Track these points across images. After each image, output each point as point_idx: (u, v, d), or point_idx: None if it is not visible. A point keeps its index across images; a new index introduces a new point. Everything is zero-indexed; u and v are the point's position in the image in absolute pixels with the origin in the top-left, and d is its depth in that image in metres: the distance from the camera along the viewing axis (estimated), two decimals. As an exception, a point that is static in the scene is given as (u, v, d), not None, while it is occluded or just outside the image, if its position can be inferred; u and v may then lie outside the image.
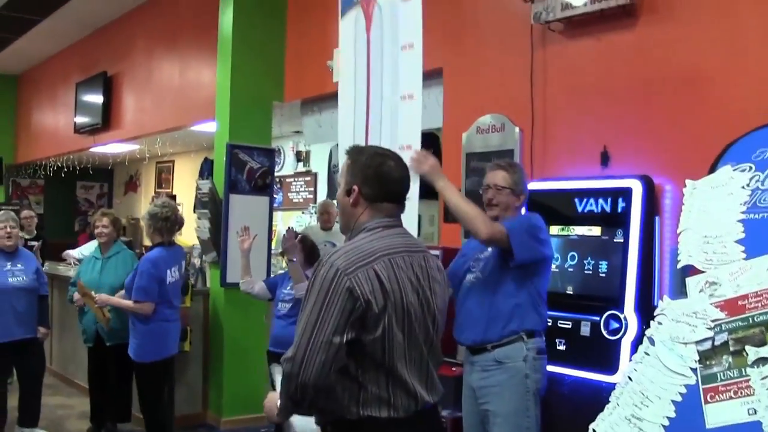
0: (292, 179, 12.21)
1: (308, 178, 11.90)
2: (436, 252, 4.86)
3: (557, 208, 4.66)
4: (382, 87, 4.15)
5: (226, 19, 7.79)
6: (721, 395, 2.53)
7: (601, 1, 4.64)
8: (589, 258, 4.46)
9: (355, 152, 2.81)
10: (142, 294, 5.63)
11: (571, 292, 4.50)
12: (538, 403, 3.79)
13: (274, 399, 2.59)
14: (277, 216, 12.28)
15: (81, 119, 12.24)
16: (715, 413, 2.55)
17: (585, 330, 4.35)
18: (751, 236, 2.83)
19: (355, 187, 2.70)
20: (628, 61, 4.67)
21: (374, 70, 4.19)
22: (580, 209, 4.55)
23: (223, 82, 7.79)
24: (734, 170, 3.03)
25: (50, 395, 7.96)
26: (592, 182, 4.53)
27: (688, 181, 3.14)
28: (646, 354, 2.87)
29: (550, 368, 4.14)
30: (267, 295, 5.90)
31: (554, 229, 4.59)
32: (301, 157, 11.98)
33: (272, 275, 7.48)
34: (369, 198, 2.70)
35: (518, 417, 3.73)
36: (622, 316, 4.07)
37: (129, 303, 5.71)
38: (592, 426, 2.98)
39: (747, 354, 2.21)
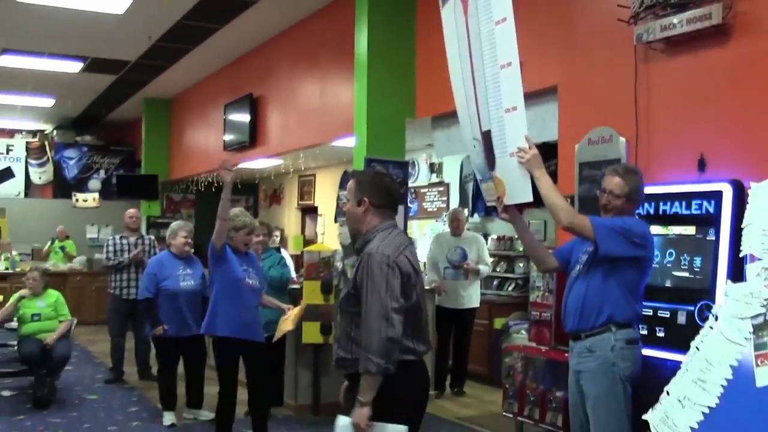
0: (426, 189, 12.76)
1: (441, 188, 12.43)
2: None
3: (658, 210, 5.17)
4: (483, 60, 4.58)
5: (361, 41, 8.48)
6: (769, 360, 3.08)
7: (696, 22, 5.14)
8: (685, 255, 4.96)
9: (359, 174, 3.81)
10: None
11: (669, 285, 5.01)
12: (628, 388, 4.21)
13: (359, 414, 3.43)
14: (413, 224, 12.96)
15: (229, 137, 13.13)
16: (764, 375, 3.07)
17: (681, 319, 4.86)
18: (802, 229, 3.33)
19: (365, 199, 3.64)
20: (723, 75, 5.14)
21: (475, 47, 4.58)
22: (677, 211, 5.05)
23: (360, 100, 8.48)
24: (793, 172, 3.53)
25: (213, 385, 8.85)
26: (688, 186, 5.03)
27: (752, 183, 3.63)
28: (711, 328, 3.39)
29: (652, 353, 4.66)
30: None
31: (655, 229, 5.09)
32: (434, 168, 12.54)
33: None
34: (376, 206, 3.64)
35: (608, 400, 4.19)
36: (714, 306, 4.54)
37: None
38: (666, 388, 3.50)
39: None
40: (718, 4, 5.00)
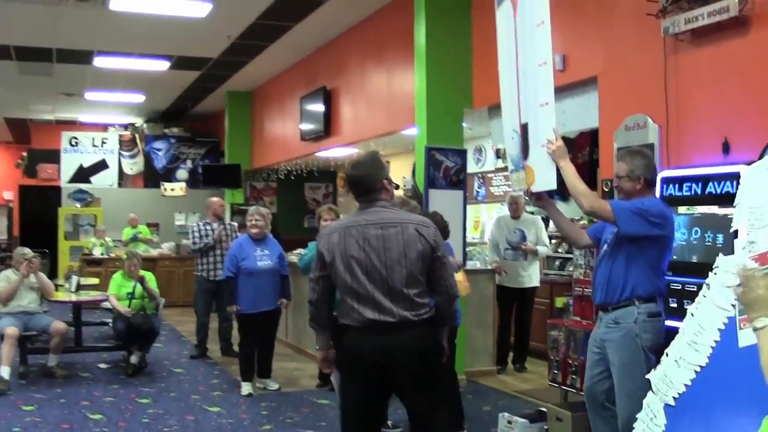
0: (492, 174, 13.11)
1: (506, 173, 12.71)
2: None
3: (685, 191, 5.59)
4: (525, 58, 4.94)
5: (420, 35, 8.89)
6: (750, 323, 3.48)
7: (716, 15, 5.53)
8: (709, 232, 5.37)
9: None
10: None
11: (696, 261, 5.42)
12: (651, 357, 4.56)
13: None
14: (481, 208, 13.41)
15: (306, 128, 13.68)
16: (746, 337, 3.49)
17: (707, 292, 5.26)
18: (783, 206, 3.75)
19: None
20: (743, 63, 5.52)
21: (520, 45, 5.02)
22: (702, 191, 5.45)
23: (420, 91, 8.90)
24: (776, 157, 3.93)
25: (287, 361, 9.62)
26: (710, 168, 5.43)
27: (743, 167, 4.04)
28: (704, 296, 3.83)
29: (679, 324, 5.08)
30: None
31: (682, 209, 5.53)
32: (500, 154, 12.89)
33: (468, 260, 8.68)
34: (354, 195, 4.34)
35: (631, 367, 4.58)
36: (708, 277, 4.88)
37: None
38: (666, 350, 3.94)
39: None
40: (734, -2, 5.39)
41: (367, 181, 4.24)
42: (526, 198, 5.14)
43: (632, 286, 4.66)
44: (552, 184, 4.84)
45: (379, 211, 4.19)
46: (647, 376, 4.01)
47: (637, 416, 4.03)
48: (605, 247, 4.86)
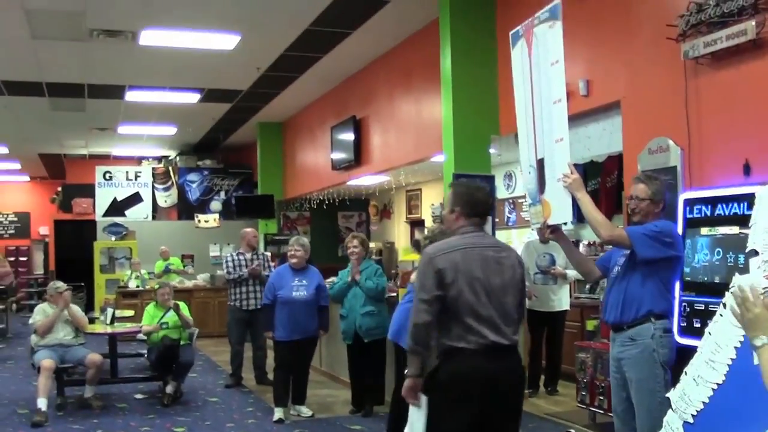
0: (523, 200, 13.09)
1: (536, 198, 12.78)
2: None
3: (707, 212, 5.63)
4: (541, 95, 5.14)
5: (446, 63, 8.97)
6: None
7: (734, 38, 5.60)
8: (731, 252, 5.40)
9: (455, 186, 4.52)
10: None
11: (718, 281, 5.45)
12: (667, 371, 4.71)
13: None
14: (512, 233, 13.44)
15: (337, 157, 13.81)
16: (761, 354, 3.56)
17: (730, 311, 5.29)
18: (797, 227, 3.79)
19: (456, 209, 4.28)
20: (762, 85, 5.56)
21: (535, 83, 5.24)
22: (724, 212, 5.50)
23: (447, 119, 8.98)
24: (791, 177, 3.99)
25: (321, 388, 9.69)
26: (730, 190, 5.47)
27: (758, 188, 4.10)
28: (720, 315, 3.87)
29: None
30: None
31: (704, 230, 5.57)
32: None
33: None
34: (466, 215, 4.25)
35: (649, 382, 4.70)
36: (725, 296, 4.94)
37: None
38: (685, 369, 4.00)
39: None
40: (751, 21, 5.45)
41: (489, 204, 4.38)
42: (541, 230, 5.27)
43: (648, 304, 4.79)
44: (567, 217, 5.04)
45: (486, 235, 4.31)
46: (667, 395, 4.06)
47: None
48: (617, 269, 5.01)
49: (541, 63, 5.16)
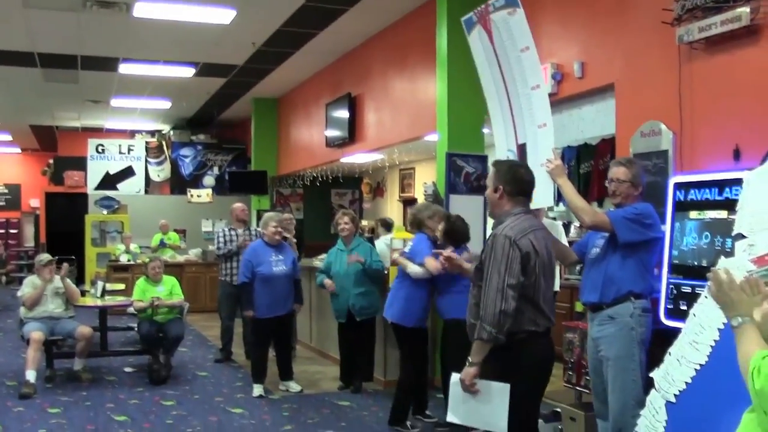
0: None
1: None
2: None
3: (695, 196, 5.64)
4: (515, 82, 5.20)
5: (442, 42, 8.97)
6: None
7: (728, 24, 5.60)
8: (719, 236, 5.42)
9: (497, 163, 4.29)
10: None
11: (705, 264, 5.46)
12: (643, 350, 4.79)
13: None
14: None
15: (331, 134, 13.85)
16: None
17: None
18: (781, 210, 3.82)
19: (500, 187, 4.15)
20: (755, 72, 5.57)
21: (506, 70, 5.26)
22: (713, 196, 5.51)
23: (441, 98, 8.99)
24: (776, 163, 4.00)
25: (310, 364, 9.75)
26: (718, 174, 5.47)
27: (745, 172, 4.13)
28: (705, 297, 3.91)
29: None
30: None
31: (693, 214, 5.58)
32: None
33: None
34: (509, 194, 4.14)
35: (626, 361, 4.77)
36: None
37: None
38: (669, 350, 4.03)
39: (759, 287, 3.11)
40: (746, 7, 5.46)
41: (532, 182, 4.31)
42: None
43: (628, 285, 4.86)
44: (549, 202, 5.20)
45: (533, 217, 4.28)
46: (651, 374, 4.11)
47: (627, 411, 4.23)
48: (595, 250, 5.07)
49: (508, 50, 5.21)
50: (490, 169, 4.38)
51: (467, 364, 4.04)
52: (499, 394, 3.99)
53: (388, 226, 11.22)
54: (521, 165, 4.43)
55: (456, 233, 6.68)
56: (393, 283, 7.28)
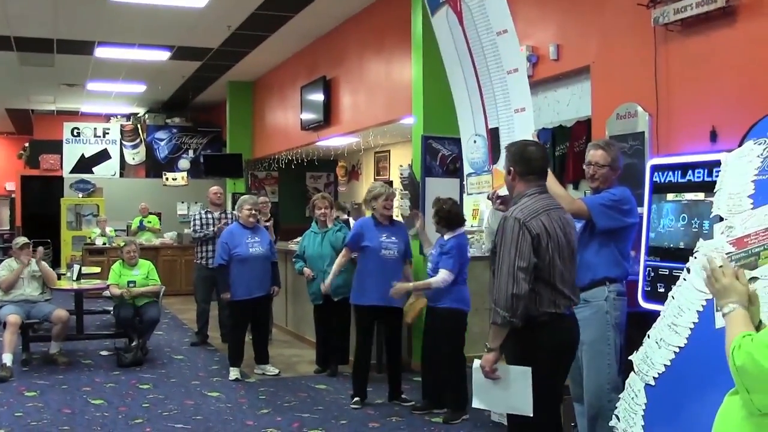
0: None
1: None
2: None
3: (672, 178, 5.67)
4: (487, 66, 5.11)
5: (417, 25, 8.89)
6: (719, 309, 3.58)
7: (704, 5, 5.62)
8: (696, 218, 5.45)
9: (508, 146, 4.29)
10: None
11: (683, 246, 5.50)
12: (618, 333, 4.80)
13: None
14: (480, 197, 13.46)
15: (306, 117, 13.79)
16: (721, 318, 3.59)
17: (694, 276, 5.36)
18: (759, 192, 3.78)
19: (512, 168, 4.10)
20: (731, 54, 5.60)
21: (477, 53, 5.16)
22: (690, 178, 5.54)
23: (417, 81, 8.93)
24: (754, 144, 4.00)
25: (286, 347, 9.75)
26: (695, 156, 5.50)
27: (723, 154, 4.16)
28: (684, 279, 3.93)
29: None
30: None
31: (670, 196, 5.61)
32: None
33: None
34: (521, 174, 4.08)
35: (600, 344, 4.77)
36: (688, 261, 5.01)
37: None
38: (648, 332, 4.05)
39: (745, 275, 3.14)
40: (721, -11, 5.48)
41: (545, 159, 4.20)
42: (490, 200, 5.26)
43: (603, 269, 4.85)
44: None
45: (549, 195, 4.16)
46: (630, 357, 4.13)
47: (602, 394, 4.30)
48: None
49: (481, 33, 5.11)
50: (503, 154, 4.32)
51: (485, 350, 3.95)
52: (521, 377, 3.91)
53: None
54: (531, 143, 4.28)
55: (452, 217, 6.72)
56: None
